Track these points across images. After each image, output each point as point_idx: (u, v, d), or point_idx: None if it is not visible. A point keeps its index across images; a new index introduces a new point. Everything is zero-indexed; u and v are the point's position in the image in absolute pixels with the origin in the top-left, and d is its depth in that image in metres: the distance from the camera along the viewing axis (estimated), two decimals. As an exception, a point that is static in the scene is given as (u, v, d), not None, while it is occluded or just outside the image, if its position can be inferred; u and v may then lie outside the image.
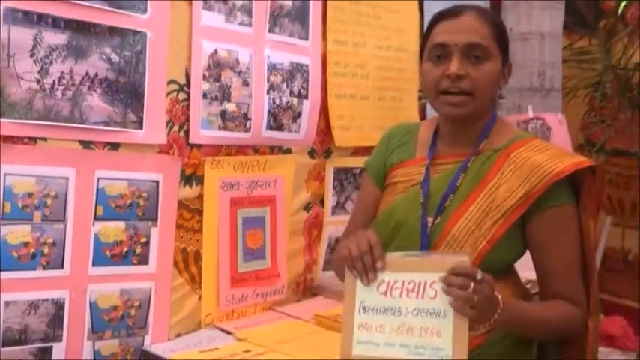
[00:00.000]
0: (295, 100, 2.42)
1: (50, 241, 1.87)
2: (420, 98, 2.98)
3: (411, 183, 1.49)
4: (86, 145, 1.92)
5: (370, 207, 1.57)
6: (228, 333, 2.20)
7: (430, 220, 1.42)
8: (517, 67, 3.15)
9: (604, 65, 3.36)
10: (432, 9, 2.88)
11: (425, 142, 1.53)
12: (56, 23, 1.82)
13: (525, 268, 1.55)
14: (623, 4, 3.37)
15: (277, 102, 2.36)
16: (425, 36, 1.51)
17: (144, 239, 2.06)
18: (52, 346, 1.90)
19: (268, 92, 2.33)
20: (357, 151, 2.71)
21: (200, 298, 2.23)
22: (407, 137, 1.57)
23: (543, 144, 1.46)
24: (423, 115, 3.00)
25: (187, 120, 2.14)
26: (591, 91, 3.50)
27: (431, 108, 2.96)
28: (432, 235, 1.41)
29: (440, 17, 1.46)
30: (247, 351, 2.02)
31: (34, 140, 1.81)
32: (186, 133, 2.14)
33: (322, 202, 2.62)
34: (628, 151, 3.45)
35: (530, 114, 3.04)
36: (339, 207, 2.67)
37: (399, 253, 1.39)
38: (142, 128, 2.02)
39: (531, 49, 3.11)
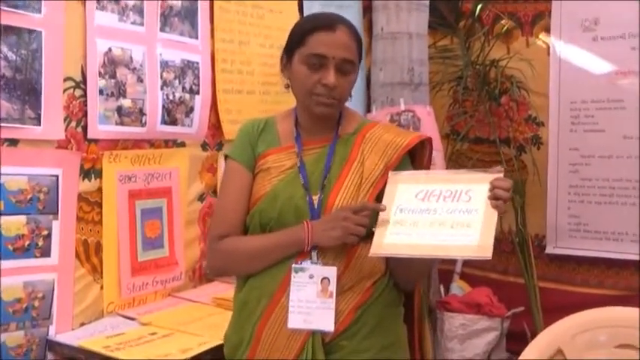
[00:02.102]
0: (187, 96, 2.55)
1: (-47, 236, 1.89)
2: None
3: (284, 167, 1.66)
4: (-14, 141, 1.96)
5: (246, 191, 1.68)
6: (132, 319, 2.30)
7: (315, 197, 1.61)
8: (388, 64, 3.44)
9: (465, 62, 3.68)
10: (311, 9, 3.11)
11: (287, 132, 1.71)
12: (-47, 22, 1.85)
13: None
14: (480, 6, 3.72)
15: (171, 97, 2.48)
16: (297, 39, 1.67)
17: (45, 232, 2.12)
18: (-42, 340, 1.92)
19: (162, 88, 2.45)
20: (246, 144, 2.87)
21: (102, 287, 2.31)
22: (267, 129, 1.74)
23: (387, 125, 1.78)
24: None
25: (85, 116, 2.22)
26: (454, 86, 3.82)
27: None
28: (318, 208, 1.60)
29: (316, 28, 1.63)
30: (153, 333, 2.14)
31: None
32: (84, 128, 2.22)
33: (215, 192, 2.76)
34: (488, 139, 3.80)
35: (402, 107, 3.32)
36: (231, 197, 2.81)
37: (439, 172, 1.60)
38: (40, 124, 2.08)
39: (401, 47, 3.39)
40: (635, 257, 3.43)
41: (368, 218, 1.50)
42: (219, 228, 1.69)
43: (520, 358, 2.11)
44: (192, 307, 2.43)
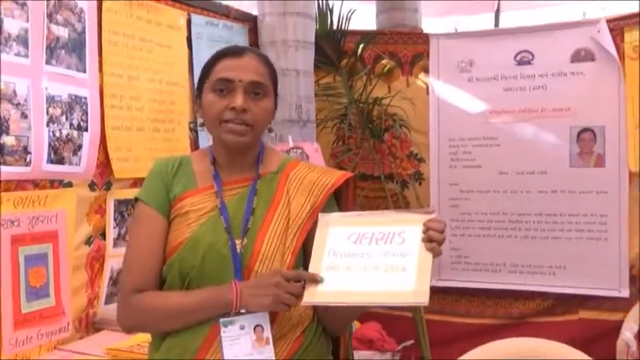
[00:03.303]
0: (75, 133, 2.39)
1: None
2: (191, 130, 3.14)
3: (204, 211, 1.56)
4: None
5: (160, 238, 1.56)
6: (16, 378, 2.09)
7: (238, 242, 1.53)
8: (278, 101, 3.42)
9: (348, 100, 3.76)
10: (199, 45, 3.04)
11: (204, 172, 1.62)
12: None
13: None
14: (361, 46, 3.82)
15: (57, 134, 2.31)
16: (206, 70, 1.62)
17: None
18: None
19: (48, 125, 2.28)
20: (136, 183, 2.73)
21: (-19, 344, 2.08)
22: (182, 169, 1.63)
23: (309, 164, 1.71)
24: (194, 146, 3.12)
25: (-37, 155, 2.01)
26: (338, 123, 3.88)
27: (202, 139, 3.13)
28: (243, 256, 1.52)
29: (223, 55, 1.59)
30: (44, 393, 1.94)
31: None
32: (-38, 168, 2.01)
33: (103, 235, 2.59)
34: (372, 175, 3.88)
35: (291, 143, 3.31)
36: (120, 239, 2.66)
37: (370, 213, 1.53)
38: None
39: (289, 84, 3.39)
40: (512, 287, 3.62)
41: (302, 288, 1.42)
42: (133, 281, 1.55)
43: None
44: (85, 362, 2.25)
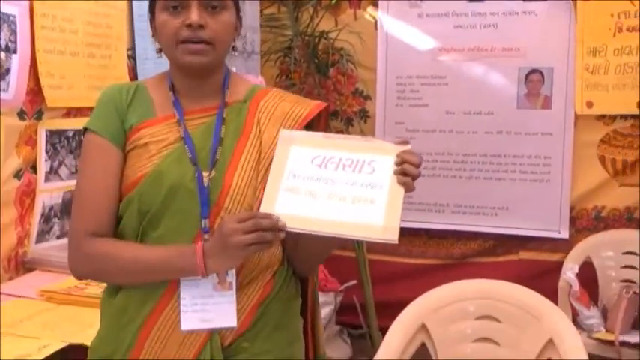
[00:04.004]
0: (3, 55, 2.15)
1: None
2: (129, 57, 2.92)
3: (166, 142, 1.40)
4: None
5: (116, 173, 1.40)
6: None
7: (205, 174, 1.38)
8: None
9: (294, 32, 3.59)
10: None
11: (163, 100, 1.45)
12: None
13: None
14: (308, -25, 3.64)
15: (-17, 56, 2.07)
16: None
17: None
18: None
19: (-28, 44, 2.04)
20: (70, 113, 2.53)
21: None
22: (138, 96, 1.45)
23: (280, 92, 1.54)
24: (132, 75, 2.91)
25: None
26: (282, 56, 3.72)
27: (140, 68, 2.92)
28: (212, 189, 1.37)
29: None
30: (-24, 338, 1.78)
31: None
32: None
33: (34, 168, 2.39)
34: (316, 112, 3.75)
35: (235, 76, 3.13)
36: (52, 173, 2.46)
37: (339, 136, 1.39)
38: None
39: (234, 13, 3.19)
40: (455, 227, 3.62)
41: (268, 221, 1.25)
42: (87, 222, 1.38)
43: (386, 338, 2.10)
44: (17, 304, 2.08)
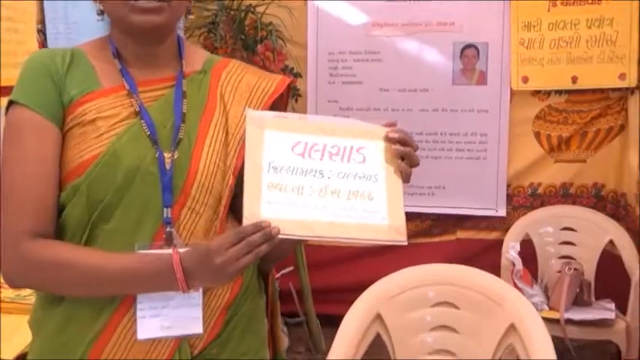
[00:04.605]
0: None
1: None
2: (39, 32, 2.65)
3: (118, 118, 1.18)
4: None
5: (56, 156, 1.17)
6: None
7: (167, 155, 1.17)
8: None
9: (218, 6, 3.37)
10: None
11: (107, 68, 1.23)
12: None
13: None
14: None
15: None
16: None
17: None
18: None
19: None
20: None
21: None
22: (76, 63, 1.22)
23: (241, 63, 1.36)
24: (44, 51, 2.63)
25: None
26: (206, 32, 3.49)
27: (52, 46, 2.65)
28: (175, 173, 1.17)
29: None
30: None
31: None
32: None
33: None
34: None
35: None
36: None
37: (315, 117, 1.19)
38: None
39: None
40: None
41: (260, 234, 1.06)
42: (24, 220, 1.13)
43: (339, 332, 1.95)
44: None
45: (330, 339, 3.32)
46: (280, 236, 1.06)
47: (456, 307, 1.93)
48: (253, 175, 1.12)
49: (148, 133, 1.18)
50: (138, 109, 1.19)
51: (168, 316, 1.14)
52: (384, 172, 1.15)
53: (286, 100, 1.35)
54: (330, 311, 3.23)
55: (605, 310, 2.78)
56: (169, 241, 1.15)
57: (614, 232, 3.02)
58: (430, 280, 1.97)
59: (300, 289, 3.37)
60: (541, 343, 1.75)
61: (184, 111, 1.22)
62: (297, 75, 3.55)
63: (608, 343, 2.84)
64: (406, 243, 1.10)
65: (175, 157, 1.18)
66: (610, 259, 3.01)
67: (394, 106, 3.42)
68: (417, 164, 1.16)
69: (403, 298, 1.95)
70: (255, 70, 1.35)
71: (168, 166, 1.17)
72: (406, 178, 1.15)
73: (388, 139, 1.15)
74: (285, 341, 3.44)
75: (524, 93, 3.29)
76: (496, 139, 3.34)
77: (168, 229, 1.15)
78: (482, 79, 3.33)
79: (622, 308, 2.85)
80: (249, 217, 1.07)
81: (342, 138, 1.17)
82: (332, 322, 3.33)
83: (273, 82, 1.31)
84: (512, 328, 1.84)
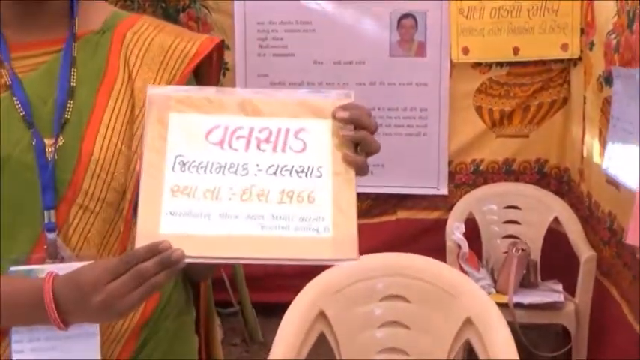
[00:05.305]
0: None
1: None
2: None
3: None
4: None
5: None
6: None
7: (49, 142, 0.93)
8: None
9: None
10: None
11: None
12: None
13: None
14: None
15: None
16: None
17: None
18: None
19: None
20: None
21: None
22: None
23: (155, 20, 1.10)
24: None
25: None
26: (122, 0, 3.20)
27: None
28: (61, 164, 0.92)
29: None
30: None
31: None
32: None
33: None
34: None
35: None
36: None
37: (240, 90, 0.92)
38: None
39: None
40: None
41: (156, 260, 0.81)
42: None
43: (279, 333, 1.74)
44: None
45: (267, 329, 3.15)
46: (186, 261, 0.82)
47: (407, 301, 1.75)
48: (151, 176, 0.86)
49: (21, 113, 0.93)
50: (9, 82, 0.94)
51: (55, 349, 0.88)
52: (331, 163, 0.90)
53: (217, 68, 1.11)
54: (267, 299, 3.04)
55: (553, 292, 2.67)
56: (53, 253, 0.89)
57: (559, 209, 2.92)
58: (378, 270, 1.77)
59: (232, 275, 3.14)
60: (501, 338, 1.59)
61: (73, 83, 0.96)
62: (225, 47, 3.29)
63: (556, 326, 2.75)
64: (358, 260, 0.87)
65: (61, 143, 0.93)
66: (555, 237, 2.90)
67: (329, 79, 3.21)
68: (376, 151, 0.93)
69: (348, 292, 1.76)
70: (172, 28, 1.09)
71: (50, 156, 0.92)
72: (361, 171, 0.91)
73: (336, 117, 0.92)
74: (218, 333, 3.21)
75: (465, 65, 3.13)
76: (436, 114, 3.18)
77: (51, 237, 0.90)
78: (422, 51, 3.16)
79: (568, 288, 2.75)
80: (143, 235, 0.82)
81: (274, 119, 0.91)
82: (269, 311, 3.16)
83: (196, 42, 1.06)
84: (468, 322, 1.67)
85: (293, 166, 0.90)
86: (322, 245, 0.86)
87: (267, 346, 3.08)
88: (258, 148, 0.90)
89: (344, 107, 0.92)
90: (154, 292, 0.82)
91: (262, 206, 0.87)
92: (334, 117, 0.92)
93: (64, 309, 0.84)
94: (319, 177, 0.89)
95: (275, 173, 0.89)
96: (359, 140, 0.91)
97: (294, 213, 0.87)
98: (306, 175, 0.89)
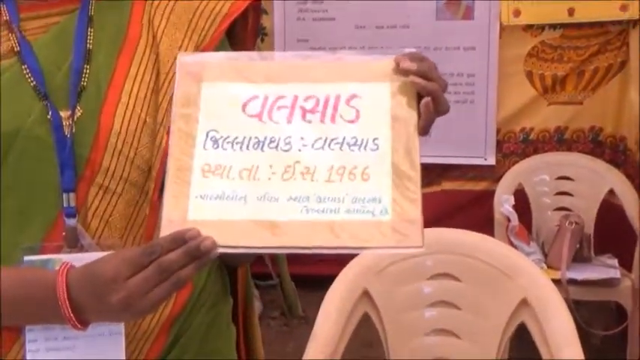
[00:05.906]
0: None
1: None
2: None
3: None
4: None
5: None
6: None
7: (65, 114, 0.83)
8: None
9: None
10: None
11: None
12: None
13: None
14: None
15: None
16: None
17: None
18: None
19: None
20: None
21: None
22: None
23: None
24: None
25: None
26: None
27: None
28: (79, 139, 0.83)
29: None
30: None
31: None
32: None
33: None
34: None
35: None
36: None
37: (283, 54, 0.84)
38: None
39: None
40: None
41: (182, 252, 0.71)
42: None
43: (321, 310, 1.66)
44: None
45: (306, 302, 3.08)
46: (219, 251, 0.72)
47: (458, 280, 1.64)
48: (179, 154, 0.76)
49: (32, 82, 0.83)
50: (18, 48, 0.84)
51: (74, 350, 0.80)
52: (389, 132, 0.78)
53: (253, 30, 1.00)
54: (306, 271, 2.97)
55: (608, 268, 2.53)
56: (73, 241, 0.80)
57: (615, 180, 2.76)
58: (427, 247, 1.67)
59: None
60: (562, 324, 1.47)
61: (89, 46, 0.86)
62: (263, 12, 3.17)
63: (610, 303, 2.62)
64: (423, 248, 0.77)
65: (78, 115, 0.83)
66: (610, 210, 2.75)
67: (371, 44, 3.08)
68: (446, 110, 0.81)
69: (394, 270, 1.65)
70: None
71: (67, 130, 0.82)
72: (424, 130, 0.80)
73: (401, 72, 0.80)
74: (257, 306, 3.16)
75: (515, 28, 2.96)
76: (484, 80, 3.03)
77: (70, 223, 0.81)
78: (469, 14, 3.00)
79: (624, 264, 2.61)
80: (169, 221, 0.73)
81: (321, 84, 0.80)
82: (308, 284, 3.10)
83: (227, 1, 0.94)
84: (523, 303, 1.56)
85: (344, 138, 0.78)
86: (379, 230, 0.74)
87: (307, 320, 3.04)
88: (304, 118, 0.80)
89: (410, 57, 0.79)
90: (180, 287, 0.72)
91: (307, 186, 0.76)
92: (398, 66, 0.81)
93: (79, 307, 0.75)
94: (375, 150, 0.78)
95: (323, 147, 0.78)
96: (430, 92, 0.79)
97: (346, 193, 0.76)
98: (359, 149, 0.78)
